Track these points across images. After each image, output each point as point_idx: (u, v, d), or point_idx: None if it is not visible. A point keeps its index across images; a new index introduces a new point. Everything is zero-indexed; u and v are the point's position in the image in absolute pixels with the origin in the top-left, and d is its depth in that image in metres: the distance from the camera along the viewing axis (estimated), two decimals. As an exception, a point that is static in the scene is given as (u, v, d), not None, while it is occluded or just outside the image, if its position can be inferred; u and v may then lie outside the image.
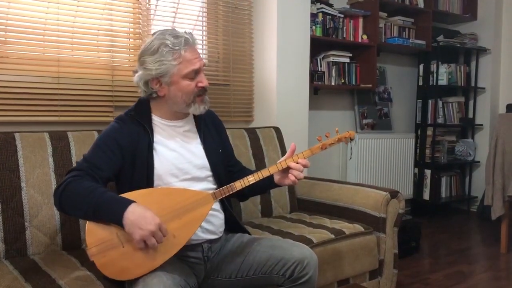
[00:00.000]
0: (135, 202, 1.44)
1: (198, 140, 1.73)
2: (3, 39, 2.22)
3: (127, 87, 2.58)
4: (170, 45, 1.55)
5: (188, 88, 1.60)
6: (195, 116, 1.75)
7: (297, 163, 1.61)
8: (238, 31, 3.07)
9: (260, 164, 2.64)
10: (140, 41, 2.63)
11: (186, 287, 1.49)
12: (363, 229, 2.34)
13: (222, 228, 1.73)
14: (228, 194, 1.58)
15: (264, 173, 1.60)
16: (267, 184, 1.70)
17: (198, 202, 1.54)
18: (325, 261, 2.13)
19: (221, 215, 1.72)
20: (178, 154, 1.65)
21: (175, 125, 1.69)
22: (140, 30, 2.63)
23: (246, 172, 1.80)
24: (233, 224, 1.79)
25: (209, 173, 1.71)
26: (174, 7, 2.82)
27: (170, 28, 1.65)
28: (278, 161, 1.63)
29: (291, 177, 1.61)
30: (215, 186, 1.71)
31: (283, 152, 2.79)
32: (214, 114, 1.87)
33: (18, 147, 1.92)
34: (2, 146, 1.89)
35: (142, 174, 1.59)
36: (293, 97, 3.14)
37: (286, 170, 1.63)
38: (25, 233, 1.86)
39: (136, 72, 1.63)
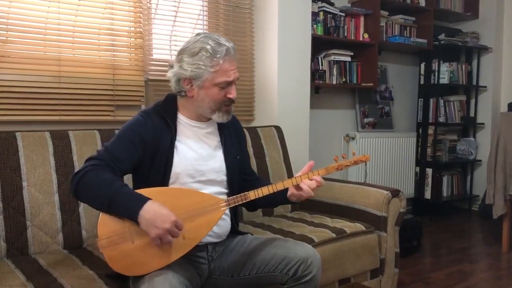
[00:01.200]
0: (151, 199, 1.44)
1: (219, 144, 1.73)
2: (4, 38, 2.22)
3: (128, 86, 2.58)
4: (210, 51, 1.55)
5: (217, 96, 1.60)
6: None
7: (311, 179, 1.60)
8: (239, 30, 3.07)
9: (261, 163, 2.64)
10: (141, 40, 2.63)
11: (190, 286, 1.50)
12: (364, 228, 2.34)
13: (228, 232, 1.74)
14: (241, 202, 1.59)
15: (278, 186, 1.59)
16: (280, 198, 1.69)
17: (211, 207, 1.55)
18: (326, 260, 2.12)
19: (229, 220, 1.73)
20: (198, 155, 1.66)
21: (198, 126, 1.69)
22: (141, 29, 2.63)
23: (260, 182, 1.78)
24: (234, 228, 1.79)
25: (224, 177, 1.71)
26: (175, 6, 2.81)
27: (215, 34, 1.64)
28: (294, 176, 1.62)
29: (299, 192, 1.60)
30: (226, 191, 1.72)
31: (284, 151, 2.79)
32: (237, 121, 1.87)
33: (19, 146, 1.92)
34: (4, 145, 1.89)
35: (160, 171, 1.59)
36: (294, 96, 3.13)
37: (300, 187, 1.62)
38: (26, 232, 1.87)
39: (171, 66, 1.63)
